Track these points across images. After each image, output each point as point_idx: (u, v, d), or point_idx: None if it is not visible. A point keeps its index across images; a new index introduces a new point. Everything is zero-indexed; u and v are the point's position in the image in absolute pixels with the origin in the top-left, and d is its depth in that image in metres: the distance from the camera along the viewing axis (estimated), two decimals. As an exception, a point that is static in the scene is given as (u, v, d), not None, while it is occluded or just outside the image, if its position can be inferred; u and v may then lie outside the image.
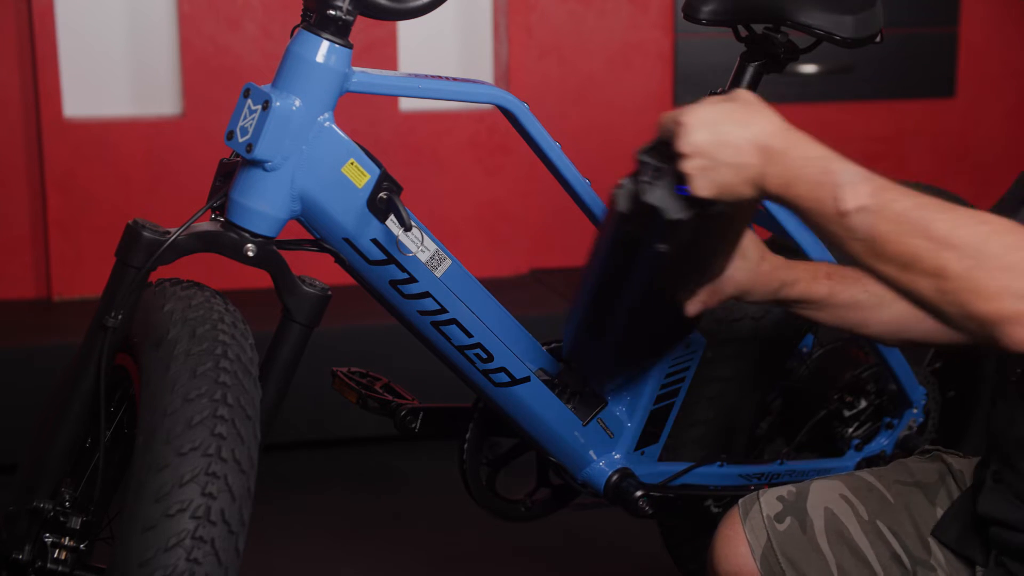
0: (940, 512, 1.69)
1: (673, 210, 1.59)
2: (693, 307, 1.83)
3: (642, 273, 1.73)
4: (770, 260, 1.85)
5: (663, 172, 1.54)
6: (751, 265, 1.84)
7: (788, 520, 1.68)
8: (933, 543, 1.65)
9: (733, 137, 1.45)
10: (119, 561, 1.50)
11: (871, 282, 1.60)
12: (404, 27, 3.82)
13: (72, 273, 3.69)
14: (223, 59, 3.71)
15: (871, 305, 1.82)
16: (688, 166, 1.49)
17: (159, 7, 3.76)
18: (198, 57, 3.71)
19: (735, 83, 2.16)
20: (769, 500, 1.71)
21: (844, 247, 1.40)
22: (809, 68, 3.93)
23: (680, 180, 1.54)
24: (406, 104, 3.84)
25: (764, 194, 1.46)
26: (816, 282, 1.83)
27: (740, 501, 1.73)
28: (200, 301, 1.68)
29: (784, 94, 3.89)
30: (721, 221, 1.68)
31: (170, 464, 1.51)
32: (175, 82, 3.78)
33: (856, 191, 1.37)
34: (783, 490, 1.72)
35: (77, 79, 3.72)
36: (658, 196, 1.58)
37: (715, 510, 2.22)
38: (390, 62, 3.79)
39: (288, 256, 1.76)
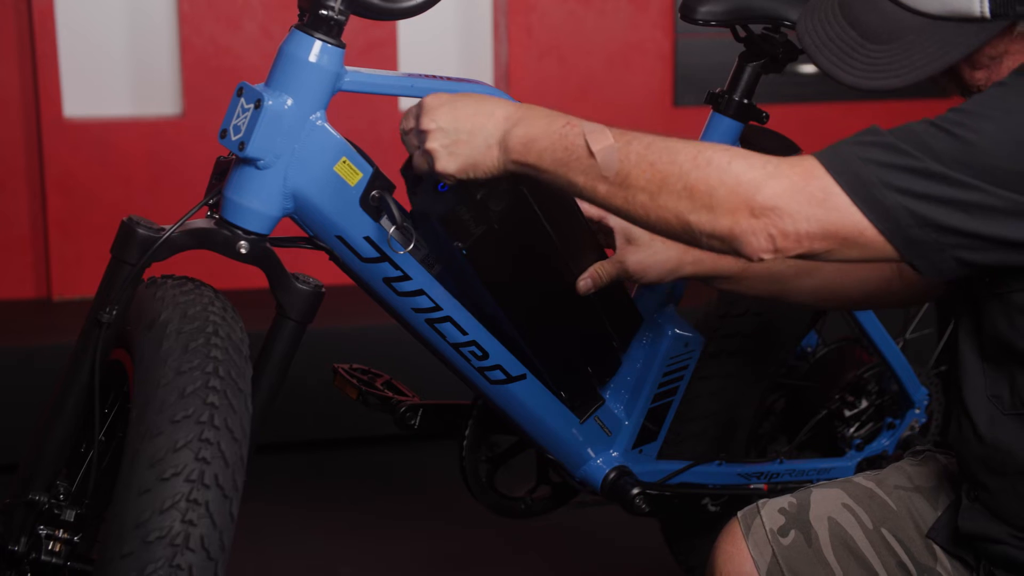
0: None
1: (437, 208, 1.66)
2: (583, 284, 1.90)
3: (469, 270, 1.79)
4: (663, 241, 1.88)
5: (420, 179, 1.57)
6: (641, 248, 1.89)
7: (792, 533, 1.65)
8: (937, 548, 1.64)
9: (471, 112, 1.53)
10: (115, 526, 1.51)
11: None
12: (404, 27, 3.82)
13: (72, 273, 3.70)
14: (223, 59, 3.71)
15: (791, 275, 1.85)
16: (431, 144, 1.55)
17: (159, 7, 3.76)
18: (198, 57, 3.71)
19: (734, 83, 2.15)
20: (770, 513, 1.67)
21: (591, 192, 1.46)
22: (808, 68, 3.92)
23: (436, 181, 1.60)
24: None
25: (508, 162, 1.52)
26: (724, 257, 1.83)
27: (739, 514, 1.70)
28: (191, 288, 1.71)
29: (784, 94, 3.88)
30: (517, 205, 1.73)
31: (164, 431, 1.53)
32: (175, 82, 3.78)
33: (601, 135, 1.45)
34: (783, 501, 1.69)
35: (77, 79, 3.72)
36: (421, 201, 1.64)
37: (713, 508, 2.22)
38: (390, 62, 3.79)
39: (290, 253, 1.77)
